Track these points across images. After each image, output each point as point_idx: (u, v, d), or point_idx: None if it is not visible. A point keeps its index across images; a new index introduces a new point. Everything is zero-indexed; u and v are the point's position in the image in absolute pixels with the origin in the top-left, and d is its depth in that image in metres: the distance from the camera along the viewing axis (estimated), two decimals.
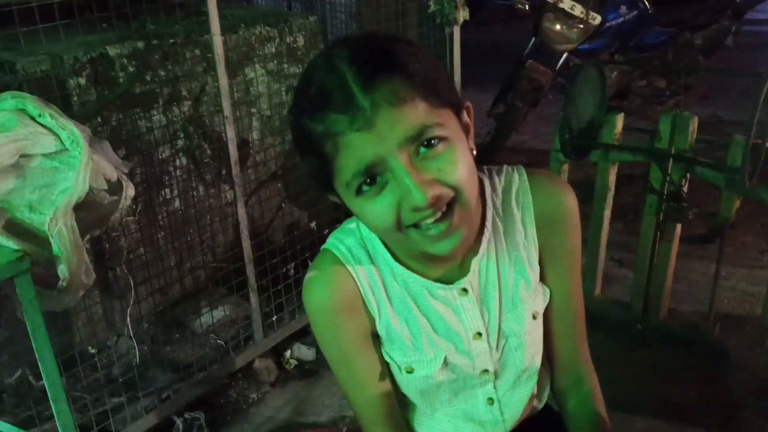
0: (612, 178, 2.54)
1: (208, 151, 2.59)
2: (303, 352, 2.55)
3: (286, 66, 2.79)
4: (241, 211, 2.29)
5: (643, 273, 2.57)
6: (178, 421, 2.19)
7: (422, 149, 0.79)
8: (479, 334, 1.00)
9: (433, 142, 0.79)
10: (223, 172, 2.62)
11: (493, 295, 1.00)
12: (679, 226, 2.46)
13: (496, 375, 1.05)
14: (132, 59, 2.30)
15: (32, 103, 1.46)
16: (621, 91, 4.32)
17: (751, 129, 2.10)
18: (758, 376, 2.32)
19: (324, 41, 2.95)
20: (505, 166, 1.01)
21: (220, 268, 2.65)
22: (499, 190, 0.99)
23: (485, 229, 0.97)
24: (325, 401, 2.34)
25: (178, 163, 2.50)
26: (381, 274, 0.98)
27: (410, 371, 1.02)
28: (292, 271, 2.69)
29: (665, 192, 2.41)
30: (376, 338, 1.02)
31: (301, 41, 2.83)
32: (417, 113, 0.78)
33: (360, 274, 0.97)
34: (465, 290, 0.98)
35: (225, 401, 2.34)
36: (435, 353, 1.00)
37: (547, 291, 1.05)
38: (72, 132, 1.44)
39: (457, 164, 0.81)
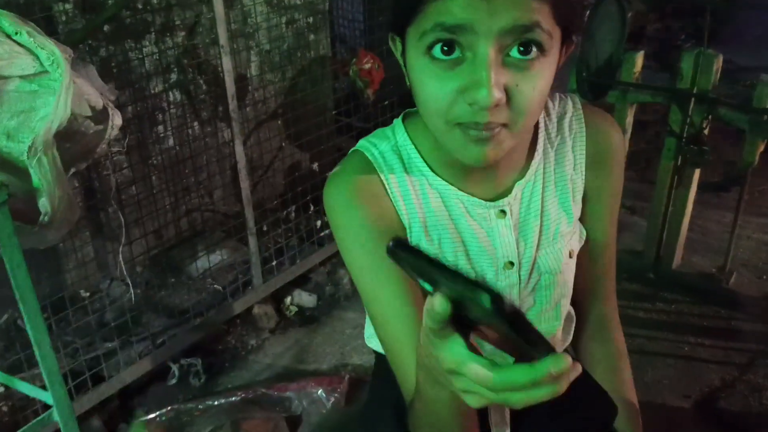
0: (629, 120, 2.44)
1: (203, 86, 2.45)
2: (304, 298, 2.47)
3: None
4: (239, 150, 2.17)
5: (657, 220, 2.48)
6: (174, 368, 2.12)
7: (514, 52, 0.70)
8: (511, 263, 0.91)
9: (531, 50, 0.70)
10: (220, 109, 2.49)
11: (533, 225, 0.91)
12: (697, 172, 2.37)
13: None
14: None
15: (8, 20, 1.32)
16: (635, 34, 4.16)
17: None
18: None
19: None
20: (557, 93, 0.92)
21: (217, 211, 2.55)
22: (553, 116, 0.91)
23: (536, 153, 0.89)
24: (326, 349, 2.26)
25: (171, 98, 2.36)
26: (415, 185, 0.88)
27: None
28: (293, 214, 2.59)
29: (685, 135, 2.31)
30: None
31: None
32: (537, 8, 0.68)
33: (392, 182, 0.87)
34: (503, 212, 0.89)
35: (223, 348, 2.27)
36: None
37: (584, 231, 0.97)
38: (52, 51, 1.31)
39: (535, 91, 0.72)
